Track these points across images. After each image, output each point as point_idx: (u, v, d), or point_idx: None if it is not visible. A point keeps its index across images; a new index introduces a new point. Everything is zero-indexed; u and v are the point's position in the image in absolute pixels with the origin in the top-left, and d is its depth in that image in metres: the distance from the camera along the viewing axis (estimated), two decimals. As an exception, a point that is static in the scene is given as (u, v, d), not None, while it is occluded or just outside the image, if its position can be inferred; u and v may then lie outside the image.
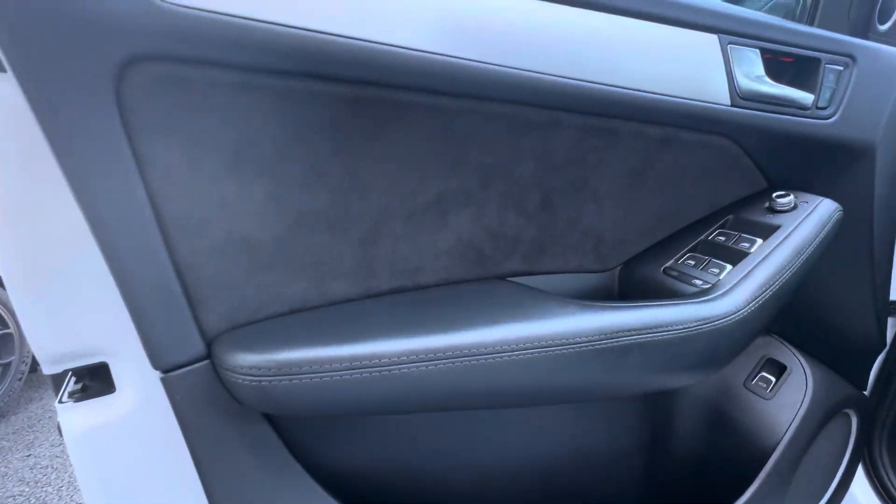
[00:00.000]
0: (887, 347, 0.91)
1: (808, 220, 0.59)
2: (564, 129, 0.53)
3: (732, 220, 0.65)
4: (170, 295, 0.41)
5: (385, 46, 0.39)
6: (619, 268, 0.66)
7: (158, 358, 0.42)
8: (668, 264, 0.61)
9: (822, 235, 0.59)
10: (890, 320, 0.96)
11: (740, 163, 0.64)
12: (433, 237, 0.52)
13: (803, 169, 0.66)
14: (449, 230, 0.53)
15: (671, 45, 0.51)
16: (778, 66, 0.60)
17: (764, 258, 0.55)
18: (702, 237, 0.63)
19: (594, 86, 0.47)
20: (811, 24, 0.68)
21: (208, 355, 0.45)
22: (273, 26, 0.36)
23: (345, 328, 0.45)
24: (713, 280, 0.56)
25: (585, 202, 0.58)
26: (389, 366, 0.40)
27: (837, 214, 0.61)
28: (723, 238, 0.62)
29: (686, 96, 0.52)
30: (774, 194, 0.62)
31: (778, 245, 0.56)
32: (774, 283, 0.54)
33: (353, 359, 0.40)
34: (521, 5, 0.44)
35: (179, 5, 0.34)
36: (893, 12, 0.68)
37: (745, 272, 0.54)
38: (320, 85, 0.42)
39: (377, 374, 0.40)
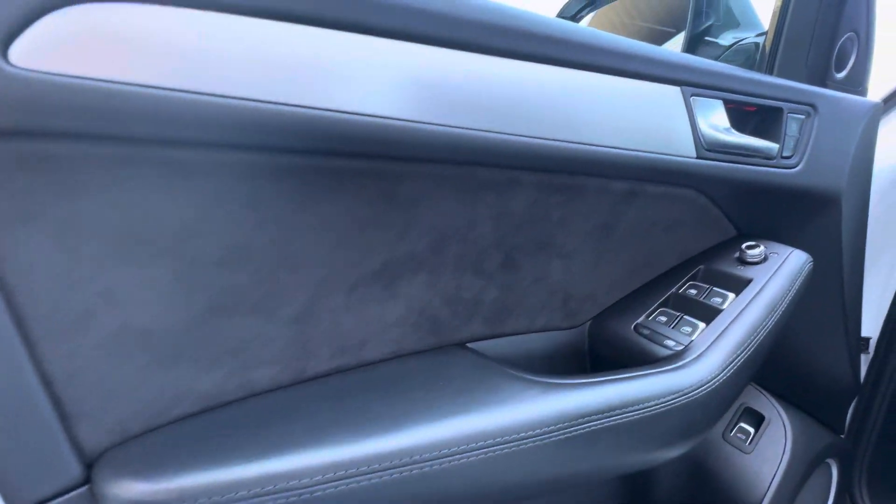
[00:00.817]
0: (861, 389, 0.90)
1: (779, 273, 0.57)
2: (524, 187, 0.50)
3: (703, 270, 0.63)
4: (34, 411, 0.34)
5: (311, 110, 0.34)
6: (589, 323, 0.63)
7: (19, 492, 0.34)
8: (639, 321, 0.58)
9: (794, 289, 0.57)
10: (862, 357, 0.95)
11: (709, 213, 0.62)
12: (380, 308, 0.47)
13: (772, 217, 0.65)
14: (398, 299, 0.48)
15: (634, 99, 0.49)
16: (741, 116, 0.59)
17: (737, 316, 0.53)
18: (673, 290, 0.60)
19: (554, 143, 0.44)
20: (770, 71, 0.68)
21: (87, 480, 0.37)
22: (162, 91, 0.30)
23: (264, 432, 0.38)
24: (685, 341, 0.53)
25: (551, 259, 0.55)
26: (311, 486, 0.34)
27: (808, 265, 0.60)
28: (694, 291, 0.59)
29: (651, 150, 0.50)
30: (744, 245, 0.60)
31: (751, 301, 0.54)
32: (749, 343, 0.51)
33: (264, 481, 0.33)
34: (470, 61, 0.41)
35: (33, 71, 0.27)
36: (850, 60, 0.68)
37: (718, 332, 0.52)
38: (232, 154, 0.36)
39: (295, 498, 0.33)
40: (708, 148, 0.53)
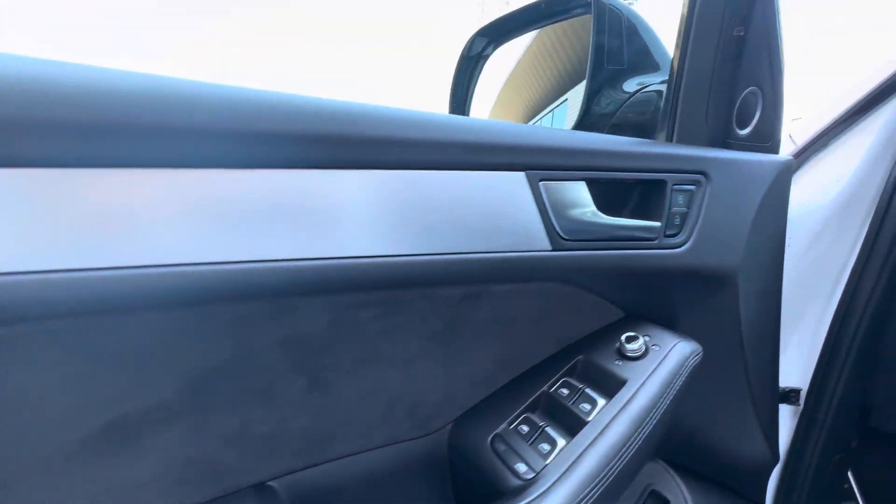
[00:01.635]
0: (782, 460, 0.84)
1: (658, 371, 0.51)
2: (308, 311, 0.42)
3: (582, 363, 0.56)
4: None
5: None
6: (450, 426, 0.55)
7: None
8: (498, 430, 0.51)
9: (675, 385, 0.51)
10: (793, 409, 0.90)
11: (583, 300, 0.55)
12: (119, 471, 0.39)
13: (662, 297, 0.58)
14: (146, 455, 0.40)
15: (466, 193, 0.41)
16: (621, 191, 0.52)
17: (601, 433, 0.46)
18: (544, 388, 0.53)
19: (345, 262, 0.36)
20: (672, 126, 0.61)
21: None
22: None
23: None
24: (538, 465, 0.46)
25: (383, 371, 0.48)
26: None
27: (695, 359, 0.53)
28: (566, 391, 0.53)
29: (492, 249, 0.42)
30: (624, 336, 0.53)
31: (620, 411, 0.47)
32: (611, 466, 0.44)
33: None
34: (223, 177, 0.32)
35: None
36: (754, 116, 0.61)
37: (576, 455, 0.45)
38: None
39: None
40: (568, 237, 0.46)
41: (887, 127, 0.77)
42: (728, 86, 0.57)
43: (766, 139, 0.63)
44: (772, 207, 0.60)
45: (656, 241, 0.51)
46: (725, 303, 0.57)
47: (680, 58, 0.58)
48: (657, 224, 0.51)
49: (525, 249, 0.43)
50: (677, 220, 0.52)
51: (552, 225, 0.44)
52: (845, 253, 0.81)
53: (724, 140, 0.60)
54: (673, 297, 0.57)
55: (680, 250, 0.52)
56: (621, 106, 0.69)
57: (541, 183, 0.44)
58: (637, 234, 0.50)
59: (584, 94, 0.69)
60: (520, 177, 0.43)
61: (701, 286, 0.56)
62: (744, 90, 0.58)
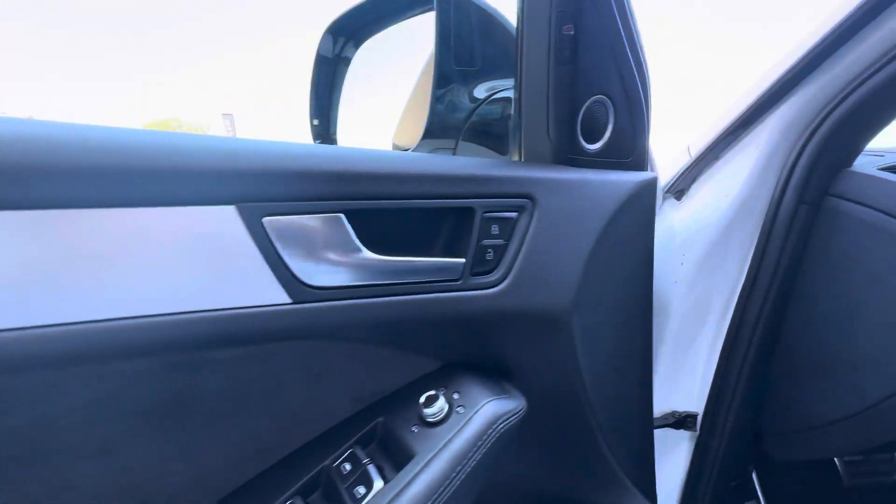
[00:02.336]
0: (680, 487, 0.79)
1: (453, 442, 0.41)
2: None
3: (382, 426, 0.46)
4: None
5: None
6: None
7: None
8: None
9: (474, 459, 0.41)
10: (688, 435, 0.86)
11: (368, 354, 0.45)
12: None
13: (481, 345, 0.49)
14: None
15: (152, 236, 0.30)
16: (423, 223, 0.42)
17: None
18: (326, 462, 0.43)
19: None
20: (519, 143, 0.52)
21: None
22: None
23: None
24: None
25: (73, 464, 0.36)
26: None
27: (510, 420, 0.44)
28: (349, 466, 0.42)
29: (195, 309, 0.31)
30: (424, 397, 0.43)
31: (395, 498, 0.37)
32: None
33: None
34: None
35: None
36: (606, 128, 0.53)
37: None
38: None
39: None
40: (318, 285, 0.35)
41: (770, 140, 0.72)
42: (567, 94, 0.49)
43: (625, 154, 0.55)
44: (625, 232, 0.52)
45: (459, 282, 0.41)
46: (561, 346, 0.48)
47: (518, 62, 0.49)
48: (459, 261, 0.42)
49: (251, 305, 0.33)
50: (489, 256, 0.42)
51: (288, 271, 0.34)
52: (734, 273, 0.77)
53: (570, 156, 0.52)
54: (497, 342, 0.48)
55: (493, 291, 0.43)
56: (471, 114, 0.59)
57: (266, 218, 0.33)
58: (430, 275, 0.40)
59: (430, 101, 0.59)
60: (229, 211, 0.32)
61: (529, 329, 0.47)
62: (587, 99, 0.50)
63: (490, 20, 0.59)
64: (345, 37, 0.73)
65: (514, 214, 0.44)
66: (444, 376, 0.47)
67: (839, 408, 0.68)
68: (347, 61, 0.76)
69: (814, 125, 0.66)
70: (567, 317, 0.46)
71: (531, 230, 0.44)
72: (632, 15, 0.50)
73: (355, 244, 0.37)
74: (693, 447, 0.83)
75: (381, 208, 0.38)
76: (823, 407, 0.71)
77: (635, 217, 0.54)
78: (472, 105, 0.60)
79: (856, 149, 0.67)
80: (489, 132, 0.61)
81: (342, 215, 0.36)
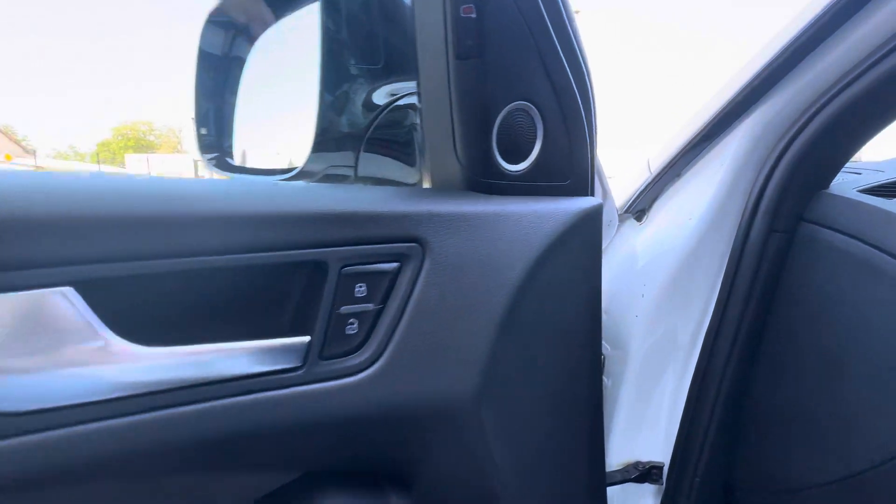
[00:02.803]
0: None
1: None
2: None
3: None
4: None
5: None
6: None
7: None
8: None
9: None
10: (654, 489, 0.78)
11: (164, 490, 0.31)
12: None
13: (341, 451, 0.35)
14: None
15: None
16: (249, 283, 0.29)
17: None
18: None
19: None
20: (423, 164, 0.39)
21: None
22: None
23: None
24: None
25: None
26: None
27: None
28: None
29: None
30: None
31: None
32: None
33: None
34: None
35: None
36: (535, 144, 0.41)
37: None
38: None
39: None
40: (32, 410, 0.22)
41: (737, 156, 0.62)
42: (475, 100, 0.37)
43: (561, 176, 0.44)
44: (560, 277, 0.41)
45: (301, 372, 0.28)
46: (466, 444, 0.35)
47: (416, 60, 0.37)
48: (300, 341, 0.28)
49: None
50: (351, 329, 0.30)
51: None
52: (700, 307, 0.68)
53: (486, 181, 0.39)
54: (373, 443, 0.35)
55: (358, 379, 0.30)
56: (372, 123, 0.46)
57: None
58: (252, 364, 0.27)
59: (317, 107, 0.46)
60: None
61: (417, 426, 0.34)
62: (504, 106, 0.38)
63: (396, 3, 0.46)
64: (235, 29, 0.59)
65: (393, 266, 0.31)
66: (302, 491, 0.33)
67: (821, 472, 0.58)
68: (242, 62, 0.62)
69: (786, 139, 0.56)
70: (471, 408, 0.34)
71: (418, 287, 0.32)
72: (567, 17, 0.38)
73: (97, 331, 0.23)
74: (659, 502, 0.73)
75: (158, 272, 0.24)
76: (803, 468, 0.61)
77: (574, 256, 0.42)
78: (374, 112, 0.47)
79: (834, 166, 0.58)
80: (398, 142, 0.49)
81: (69, 289, 0.22)
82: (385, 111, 0.46)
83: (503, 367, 0.36)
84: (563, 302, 0.41)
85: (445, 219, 0.33)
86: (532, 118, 0.40)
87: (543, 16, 0.36)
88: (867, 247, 0.51)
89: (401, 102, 0.46)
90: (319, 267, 0.29)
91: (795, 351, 0.60)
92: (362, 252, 0.30)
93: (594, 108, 0.45)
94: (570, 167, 0.44)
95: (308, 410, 0.29)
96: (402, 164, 0.50)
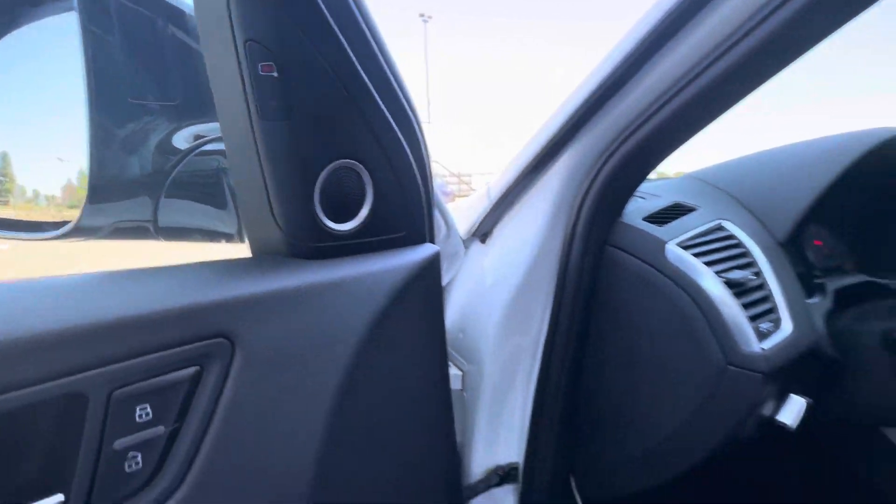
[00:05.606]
0: None
1: None
2: None
3: None
4: None
5: None
6: None
7: None
8: None
9: None
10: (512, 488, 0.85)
11: None
12: None
13: None
14: None
15: None
16: None
17: None
18: None
19: None
20: (238, 233, 0.33)
21: None
22: None
23: None
24: None
25: None
26: None
27: None
28: None
29: None
30: None
31: None
32: None
33: None
34: None
35: None
36: (365, 201, 0.39)
37: None
38: None
39: None
40: None
41: (558, 188, 0.70)
42: (290, 162, 0.33)
43: (397, 227, 0.43)
44: (401, 332, 0.40)
45: None
46: None
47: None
48: (53, 501, 0.22)
49: None
50: (134, 466, 0.24)
51: None
52: (538, 321, 0.75)
53: (313, 245, 0.36)
54: None
55: None
56: (175, 168, 0.38)
57: None
58: None
59: (87, 147, 0.36)
60: None
61: None
62: (325, 167, 0.35)
63: (188, 31, 0.39)
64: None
65: (189, 372, 0.26)
66: None
67: (629, 450, 0.71)
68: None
69: (590, 177, 0.65)
70: (312, 488, 0.31)
71: (228, 391, 0.27)
72: (379, 45, 0.37)
73: None
74: (518, 499, 0.80)
75: None
76: (620, 449, 0.73)
77: (416, 305, 0.42)
78: (177, 155, 0.39)
79: (625, 198, 0.69)
80: (212, 185, 0.42)
81: None
82: (191, 154, 0.39)
83: (343, 444, 0.33)
84: (407, 352, 0.41)
85: (260, 301, 0.29)
86: (359, 174, 0.38)
87: (358, 70, 0.34)
88: (645, 265, 0.63)
89: (210, 147, 0.39)
90: (75, 399, 0.22)
91: (606, 352, 0.72)
92: (140, 365, 0.24)
93: (426, 153, 0.45)
94: (405, 218, 0.43)
95: None
96: (219, 209, 0.43)
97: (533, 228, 0.72)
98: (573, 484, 0.83)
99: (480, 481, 0.80)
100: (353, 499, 0.36)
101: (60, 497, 0.22)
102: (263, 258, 0.34)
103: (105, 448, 0.23)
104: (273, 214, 0.34)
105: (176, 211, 0.40)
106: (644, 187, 0.91)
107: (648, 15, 0.51)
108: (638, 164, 0.65)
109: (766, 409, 0.60)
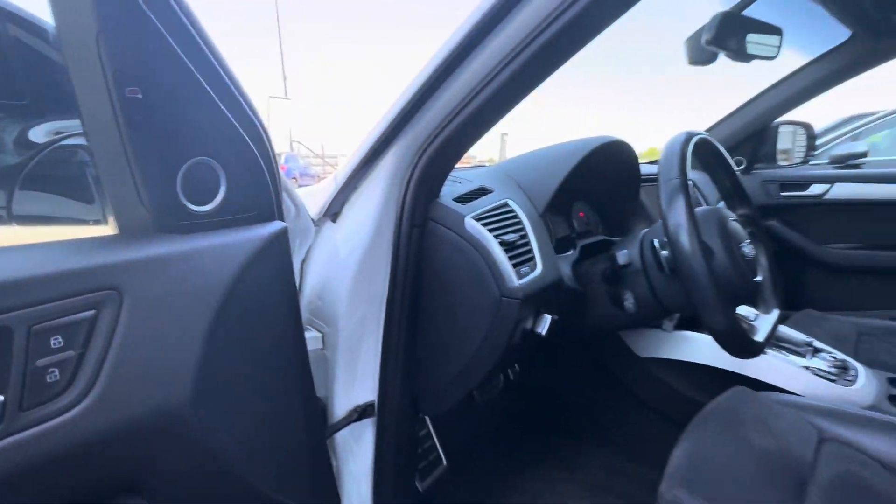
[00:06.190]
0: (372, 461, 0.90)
1: None
2: None
3: None
4: None
5: None
6: None
7: None
8: None
9: None
10: (369, 422, 0.99)
11: None
12: None
13: (67, 483, 0.40)
14: None
15: None
16: None
17: None
18: None
19: None
20: (107, 210, 0.42)
21: None
22: None
23: None
24: None
25: None
26: None
27: None
28: None
29: None
30: None
31: None
32: None
33: None
34: None
35: None
36: (219, 188, 0.51)
37: None
38: None
39: None
40: None
41: (389, 176, 0.86)
42: (154, 159, 0.44)
43: (248, 209, 0.55)
44: (256, 288, 0.53)
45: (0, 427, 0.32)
46: (192, 438, 0.45)
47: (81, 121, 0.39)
48: None
49: None
50: (53, 377, 0.34)
51: None
52: (381, 283, 0.92)
53: (178, 223, 0.47)
54: (102, 465, 0.40)
55: (69, 416, 0.35)
56: (30, 161, 0.44)
57: None
58: None
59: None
60: None
61: (142, 435, 0.42)
62: (184, 162, 0.46)
63: (34, 35, 0.45)
64: None
65: (89, 314, 0.36)
66: None
67: (451, 370, 0.95)
68: None
69: (412, 165, 0.84)
70: (189, 411, 0.43)
71: (121, 327, 0.38)
72: (222, 65, 0.48)
73: None
74: (376, 428, 0.97)
75: None
76: (445, 372, 0.97)
77: (268, 270, 0.55)
78: (30, 151, 0.45)
79: (440, 183, 0.91)
80: (71, 179, 0.48)
81: None
82: (49, 148, 0.45)
83: (214, 373, 0.46)
84: (263, 309, 0.54)
85: (141, 263, 0.40)
86: (213, 167, 0.49)
87: (206, 87, 0.46)
88: (453, 233, 0.86)
89: (69, 142, 0.46)
90: (3, 331, 0.31)
91: (432, 301, 0.94)
92: (52, 309, 0.34)
93: (270, 147, 0.58)
94: (255, 200, 0.56)
95: (20, 457, 0.32)
96: (77, 201, 0.49)
97: (372, 208, 0.88)
98: (418, 407, 1.05)
99: (343, 419, 0.96)
100: (226, 417, 0.49)
101: (1, 398, 0.31)
102: (143, 233, 0.44)
103: (30, 365, 0.32)
104: (142, 201, 0.44)
105: (33, 200, 0.45)
106: (462, 174, 1.15)
107: (454, 35, 0.69)
108: (446, 155, 0.86)
109: (528, 325, 0.90)
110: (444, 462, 1.18)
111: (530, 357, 1.37)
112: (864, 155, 2.43)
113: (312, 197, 0.99)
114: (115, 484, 0.41)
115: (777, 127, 2.01)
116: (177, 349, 0.42)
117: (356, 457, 0.95)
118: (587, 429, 1.53)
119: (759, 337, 0.88)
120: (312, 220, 0.94)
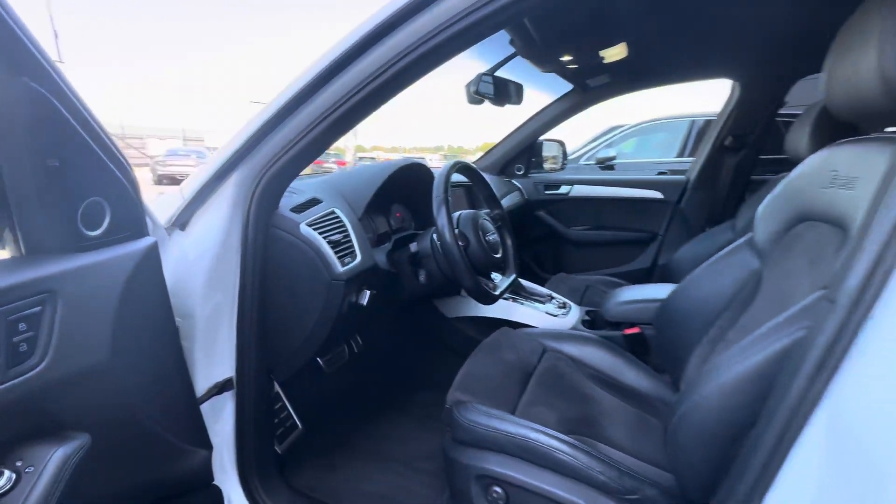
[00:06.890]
0: (234, 427, 1.11)
1: (31, 496, 0.54)
2: None
3: None
4: None
5: None
6: None
7: None
8: None
9: (56, 495, 0.56)
10: (230, 396, 1.18)
11: None
12: None
13: (31, 419, 0.60)
14: None
15: None
16: None
17: None
18: None
19: None
20: (17, 238, 0.59)
21: None
22: None
23: None
24: None
25: None
26: None
27: (76, 459, 0.61)
28: None
29: None
30: None
31: None
32: None
33: None
34: None
35: None
36: (105, 218, 0.70)
37: None
38: None
39: None
40: None
41: (235, 194, 1.06)
42: (62, 201, 0.62)
43: (126, 230, 0.75)
44: (140, 286, 0.73)
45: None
46: (108, 384, 0.66)
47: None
48: None
49: None
50: (23, 348, 0.54)
51: None
52: (232, 281, 1.09)
53: (78, 245, 0.66)
54: (57, 406, 0.60)
55: (36, 371, 0.55)
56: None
57: None
58: None
59: None
60: None
61: (81, 383, 0.62)
62: (83, 201, 0.65)
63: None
64: None
65: (37, 309, 0.56)
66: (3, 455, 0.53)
67: (296, 340, 1.22)
68: None
69: (255, 182, 1.07)
70: (107, 364, 0.64)
71: (59, 316, 0.58)
72: (100, 128, 0.68)
73: None
74: (236, 399, 1.16)
75: None
76: (292, 343, 1.23)
77: (146, 273, 0.76)
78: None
79: (277, 198, 1.15)
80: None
81: None
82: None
83: (121, 345, 0.67)
84: (146, 301, 0.75)
85: (64, 274, 0.59)
86: (101, 203, 0.69)
87: (94, 148, 0.65)
88: (291, 236, 1.13)
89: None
90: None
91: (274, 290, 1.14)
92: (19, 306, 0.53)
93: (134, 180, 0.77)
94: (129, 223, 0.76)
95: (13, 396, 0.51)
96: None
97: (222, 218, 1.07)
98: (272, 377, 1.28)
99: (205, 394, 1.14)
100: (129, 375, 0.70)
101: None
102: (56, 254, 0.61)
103: (8, 341, 0.51)
104: (50, 230, 0.62)
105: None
106: (299, 185, 1.40)
107: (290, 86, 0.92)
108: (283, 177, 1.10)
109: (353, 298, 1.25)
110: (300, 426, 1.38)
111: (368, 329, 1.71)
112: (612, 158, 3.55)
113: (159, 207, 1.12)
114: (66, 418, 0.60)
115: (542, 143, 2.78)
116: (95, 328, 0.63)
117: (222, 425, 1.10)
118: (415, 377, 1.98)
119: (497, 292, 1.41)
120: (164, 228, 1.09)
